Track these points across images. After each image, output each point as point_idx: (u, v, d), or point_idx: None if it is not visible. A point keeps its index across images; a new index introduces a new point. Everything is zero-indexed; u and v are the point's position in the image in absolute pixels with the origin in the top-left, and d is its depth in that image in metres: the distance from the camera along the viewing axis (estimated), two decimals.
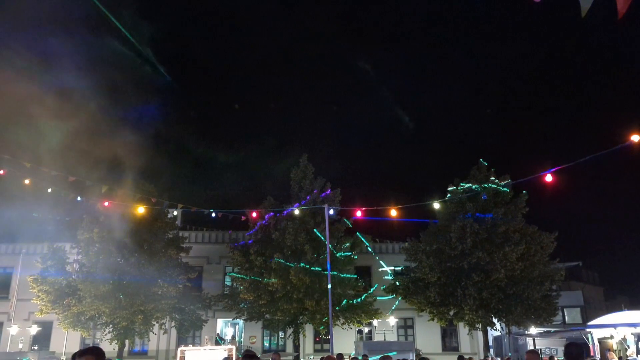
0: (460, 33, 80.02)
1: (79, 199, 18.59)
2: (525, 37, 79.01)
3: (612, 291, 48.20)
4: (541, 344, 27.21)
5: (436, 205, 20.56)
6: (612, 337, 23.43)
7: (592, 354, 22.34)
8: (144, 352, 30.34)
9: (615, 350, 25.03)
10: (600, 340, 23.84)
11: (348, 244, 26.77)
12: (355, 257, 27.43)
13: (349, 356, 20.89)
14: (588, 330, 23.52)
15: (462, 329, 29.35)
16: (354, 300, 26.42)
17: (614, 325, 22.02)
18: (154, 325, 25.76)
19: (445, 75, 79.73)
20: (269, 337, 31.60)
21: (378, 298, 28.00)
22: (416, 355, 22.92)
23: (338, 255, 25.94)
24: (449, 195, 25.73)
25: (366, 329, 30.66)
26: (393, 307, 29.28)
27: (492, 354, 27.42)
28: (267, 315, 26.85)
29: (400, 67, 76.59)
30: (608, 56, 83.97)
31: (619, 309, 28.38)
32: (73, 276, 25.30)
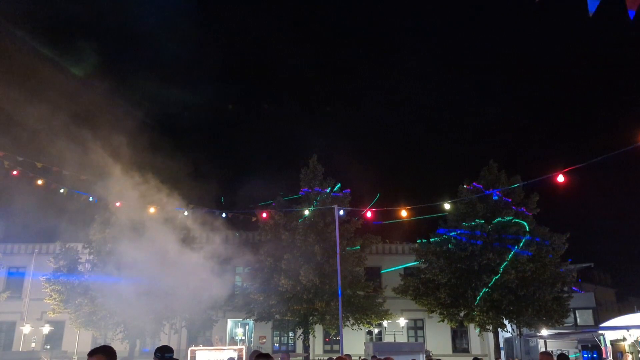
0: (471, 32, 79.73)
1: (91, 199, 18.79)
2: (535, 35, 78.52)
3: (624, 293, 47.63)
4: (552, 346, 26.94)
5: (446, 206, 20.49)
6: (624, 339, 23.19)
7: (604, 356, 22.14)
8: None
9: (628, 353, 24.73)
10: (612, 343, 23.59)
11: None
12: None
13: (359, 357, 20.83)
14: (600, 332, 23.30)
15: (473, 331, 29.20)
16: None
17: (627, 327, 21.79)
18: (165, 325, 25.90)
19: (456, 76, 79.47)
20: (279, 338, 31.64)
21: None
22: (426, 357, 22.79)
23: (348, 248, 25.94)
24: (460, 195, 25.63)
25: (376, 330, 30.58)
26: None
27: (503, 356, 27.27)
28: (277, 316, 26.87)
29: (412, 68, 76.47)
30: (620, 55, 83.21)
31: (632, 311, 28.05)
32: (85, 276, 25.53)
